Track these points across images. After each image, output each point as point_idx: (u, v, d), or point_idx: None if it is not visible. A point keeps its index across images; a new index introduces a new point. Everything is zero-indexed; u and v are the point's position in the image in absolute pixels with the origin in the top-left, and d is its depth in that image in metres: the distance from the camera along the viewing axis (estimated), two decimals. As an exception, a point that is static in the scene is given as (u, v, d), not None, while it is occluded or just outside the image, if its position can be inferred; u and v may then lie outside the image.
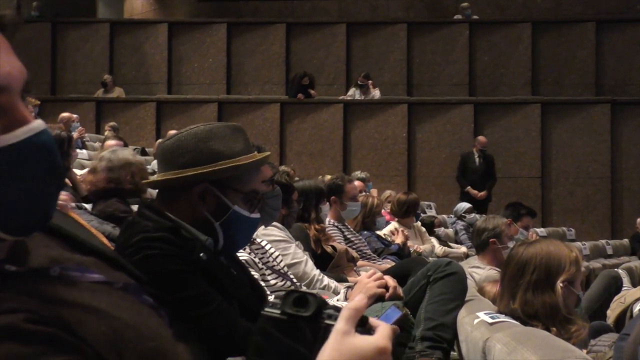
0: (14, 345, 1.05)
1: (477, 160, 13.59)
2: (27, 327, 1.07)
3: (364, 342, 1.19)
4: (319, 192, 5.66)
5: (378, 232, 7.52)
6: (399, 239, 7.55)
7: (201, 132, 2.39)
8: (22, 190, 1.13)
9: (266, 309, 1.32)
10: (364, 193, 8.90)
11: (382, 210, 7.92)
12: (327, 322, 1.26)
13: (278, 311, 1.31)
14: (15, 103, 1.15)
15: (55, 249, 1.32)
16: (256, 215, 2.47)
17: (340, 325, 1.20)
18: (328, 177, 9.31)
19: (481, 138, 13.82)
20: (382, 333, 1.23)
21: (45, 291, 1.19)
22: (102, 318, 1.21)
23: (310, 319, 1.28)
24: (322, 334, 1.23)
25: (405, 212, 8.45)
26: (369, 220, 7.35)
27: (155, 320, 1.36)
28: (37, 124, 1.15)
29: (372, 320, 1.29)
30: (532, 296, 3.23)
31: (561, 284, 3.21)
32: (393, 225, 8.25)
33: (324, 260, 5.34)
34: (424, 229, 9.39)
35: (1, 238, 1.17)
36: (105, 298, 1.27)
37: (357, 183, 7.68)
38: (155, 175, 2.47)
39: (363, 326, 1.25)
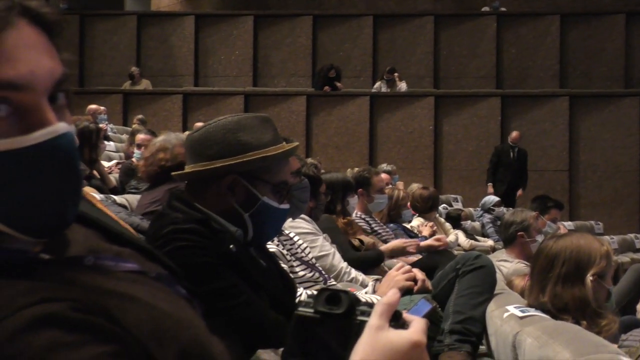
0: (58, 332, 1.04)
1: (512, 154, 13.50)
2: (74, 315, 1.07)
3: (399, 336, 1.18)
4: (347, 184, 5.64)
5: (405, 225, 7.49)
6: (426, 232, 7.51)
7: (229, 123, 2.39)
8: (38, 193, 1.11)
9: (299, 309, 1.31)
10: (390, 186, 8.91)
11: (408, 203, 7.89)
12: (360, 318, 1.25)
13: (311, 310, 1.30)
14: (40, 103, 1.12)
15: (93, 240, 1.32)
16: (285, 206, 2.47)
17: (373, 320, 1.19)
18: (355, 169, 9.33)
19: (514, 133, 13.72)
20: (417, 327, 1.21)
21: (85, 280, 1.18)
22: (142, 307, 1.20)
23: (343, 316, 1.27)
24: (355, 330, 1.22)
25: (430, 207, 8.41)
26: (394, 213, 7.34)
27: (190, 311, 1.35)
28: (59, 127, 1.12)
29: (406, 315, 1.27)
30: (562, 289, 3.19)
31: (591, 278, 3.17)
32: (417, 220, 8.22)
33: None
34: (446, 223, 9.37)
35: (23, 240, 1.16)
36: (142, 287, 1.27)
37: (383, 176, 7.68)
38: (185, 167, 2.46)
39: (397, 321, 1.23)
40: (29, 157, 1.09)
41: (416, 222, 8.09)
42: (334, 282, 3.97)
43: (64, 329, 1.05)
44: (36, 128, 1.10)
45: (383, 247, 5.65)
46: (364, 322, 1.21)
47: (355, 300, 1.28)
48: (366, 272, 5.12)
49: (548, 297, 3.21)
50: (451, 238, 8.57)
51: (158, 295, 1.28)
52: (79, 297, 1.12)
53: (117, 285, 1.22)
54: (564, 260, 3.25)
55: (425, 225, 7.69)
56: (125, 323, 1.15)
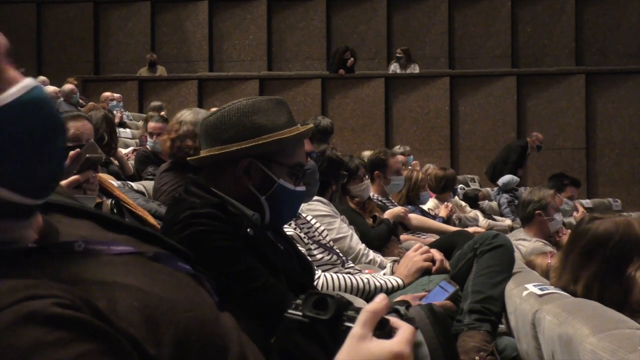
0: (41, 330, 1.02)
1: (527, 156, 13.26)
2: (58, 311, 1.05)
3: (379, 347, 1.17)
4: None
5: (422, 207, 7.50)
6: (443, 212, 7.55)
7: (244, 106, 2.39)
8: (28, 147, 1.13)
9: (289, 311, 1.32)
10: (409, 167, 8.90)
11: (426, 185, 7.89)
12: (347, 324, 1.25)
13: (300, 313, 1.31)
14: (4, 64, 1.15)
15: (86, 229, 1.33)
16: (301, 188, 2.49)
17: (355, 329, 1.18)
18: (367, 152, 9.32)
19: (538, 134, 13.44)
20: (401, 337, 1.20)
21: (74, 269, 1.18)
22: (134, 294, 1.19)
23: (329, 322, 1.27)
24: (342, 336, 1.21)
25: (443, 187, 8.40)
26: (413, 195, 7.33)
27: (193, 290, 1.34)
28: (29, 81, 1.15)
29: (395, 322, 1.25)
30: (600, 286, 2.99)
31: (638, 274, 2.93)
32: (432, 201, 8.23)
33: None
34: (463, 203, 9.36)
35: (20, 203, 1.16)
36: (137, 271, 1.26)
37: (399, 157, 7.68)
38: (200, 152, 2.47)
39: (382, 329, 1.22)
40: (13, 113, 1.12)
41: (432, 203, 8.10)
42: (352, 264, 3.97)
43: (48, 326, 1.03)
44: (8, 87, 1.13)
45: (385, 214, 5.74)
46: (349, 329, 1.21)
47: (344, 306, 1.28)
48: (384, 251, 5.14)
49: (581, 287, 3.03)
50: (472, 214, 8.62)
51: (156, 277, 1.27)
52: (64, 291, 1.09)
53: (108, 272, 1.21)
54: (614, 245, 3.02)
55: (446, 206, 7.72)
56: (115, 316, 1.13)
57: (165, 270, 1.33)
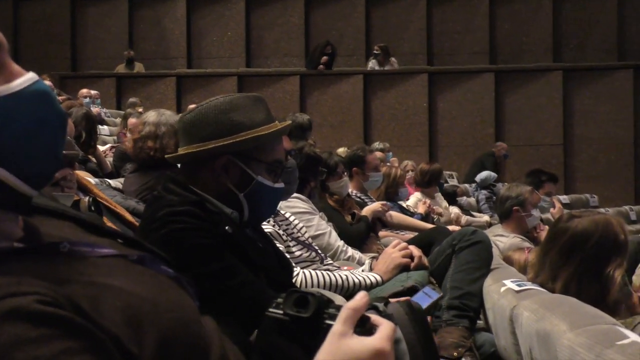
0: (23, 327, 1.03)
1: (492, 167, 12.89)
2: (40, 308, 1.05)
3: (360, 344, 1.17)
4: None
5: (401, 203, 7.49)
6: (421, 209, 7.59)
7: (221, 103, 2.39)
8: (35, 136, 1.18)
9: (270, 309, 1.33)
10: (387, 164, 8.92)
11: (405, 181, 7.92)
12: (328, 322, 1.26)
13: (281, 312, 1.31)
14: (8, 59, 1.20)
15: (69, 231, 1.34)
16: (280, 185, 2.49)
17: (337, 326, 1.19)
18: (342, 149, 9.35)
19: (502, 144, 13.57)
20: (382, 334, 1.21)
21: (57, 270, 1.18)
22: (117, 294, 1.19)
23: (310, 320, 1.28)
24: (322, 334, 1.21)
25: (428, 181, 8.47)
26: (392, 191, 7.34)
27: (175, 292, 1.34)
28: (33, 74, 1.21)
29: (375, 319, 1.26)
30: (578, 285, 2.99)
31: (616, 273, 2.95)
32: (416, 195, 8.27)
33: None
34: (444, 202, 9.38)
35: (20, 192, 1.19)
36: (120, 272, 1.26)
37: (377, 154, 7.72)
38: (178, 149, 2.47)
39: (363, 326, 1.22)
40: (20, 102, 1.17)
41: (413, 199, 8.13)
42: (331, 261, 3.96)
43: (30, 323, 1.04)
44: (15, 78, 1.18)
45: (363, 210, 5.75)
46: (330, 326, 1.21)
47: (325, 304, 1.29)
48: (362, 248, 5.14)
49: (560, 286, 3.03)
50: (452, 216, 8.64)
51: (139, 280, 1.28)
52: (47, 289, 1.09)
53: (92, 273, 1.21)
54: (588, 250, 3.01)
55: (424, 203, 7.76)
56: (97, 314, 1.13)
57: (148, 272, 1.33)
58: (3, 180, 1.16)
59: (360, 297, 1.23)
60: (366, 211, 5.70)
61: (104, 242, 1.34)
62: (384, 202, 6.30)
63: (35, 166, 1.20)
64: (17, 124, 1.15)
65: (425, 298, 3.28)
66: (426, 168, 8.55)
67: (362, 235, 5.39)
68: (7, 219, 1.21)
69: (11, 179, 1.16)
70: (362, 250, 4.98)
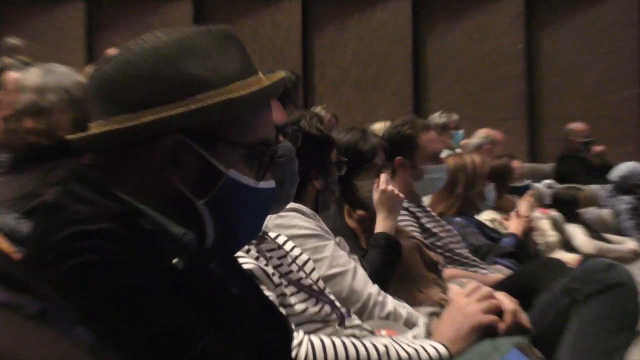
0: None
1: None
2: None
3: None
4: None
5: (479, 218, 5.20)
6: (513, 226, 5.05)
7: (165, 45, 1.56)
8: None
9: None
10: (456, 150, 7.13)
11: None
12: None
13: None
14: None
15: None
16: (268, 184, 1.66)
17: None
18: (379, 125, 6.89)
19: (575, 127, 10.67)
20: None
21: None
22: None
23: None
24: None
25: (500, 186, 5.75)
26: (472, 195, 5.06)
27: None
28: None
29: None
30: None
31: None
32: (488, 213, 5.59)
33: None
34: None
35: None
36: (4, 336, 0.91)
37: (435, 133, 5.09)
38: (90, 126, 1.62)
39: None
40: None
41: (488, 214, 5.51)
42: (358, 322, 2.69)
43: None
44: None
45: (377, 227, 3.70)
46: None
47: None
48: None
49: None
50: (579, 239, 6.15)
51: (31, 347, 0.93)
52: None
53: None
54: None
55: (517, 216, 5.17)
56: None
57: (49, 335, 0.97)
58: None
59: None
60: (381, 227, 3.71)
61: None
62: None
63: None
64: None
65: None
66: (498, 164, 5.81)
67: (384, 269, 3.53)
68: None
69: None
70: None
